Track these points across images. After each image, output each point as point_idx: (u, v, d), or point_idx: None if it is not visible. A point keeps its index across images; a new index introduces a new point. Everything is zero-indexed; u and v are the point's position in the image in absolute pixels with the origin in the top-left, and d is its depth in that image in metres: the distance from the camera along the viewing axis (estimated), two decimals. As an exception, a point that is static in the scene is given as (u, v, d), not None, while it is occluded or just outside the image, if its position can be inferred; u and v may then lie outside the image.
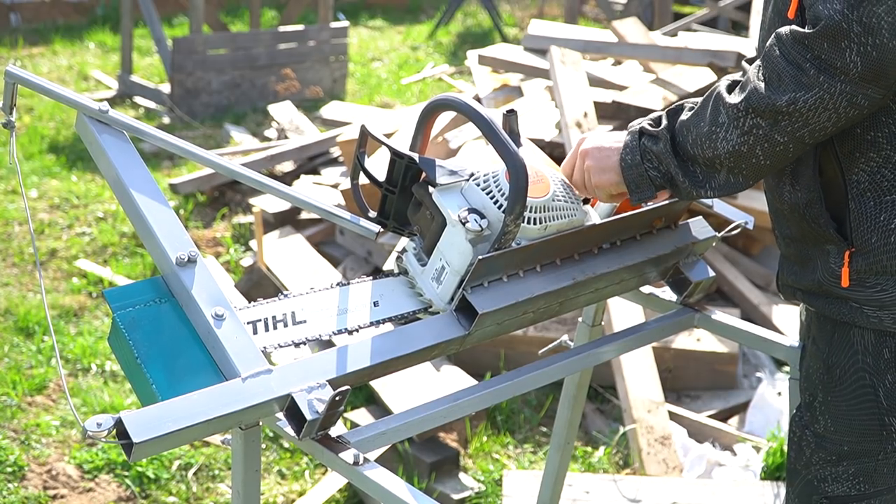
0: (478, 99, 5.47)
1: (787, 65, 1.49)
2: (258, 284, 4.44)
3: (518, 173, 1.66)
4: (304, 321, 1.68)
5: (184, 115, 7.62)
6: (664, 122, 1.67)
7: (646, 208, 1.87)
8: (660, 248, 1.93)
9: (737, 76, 1.65)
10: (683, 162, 1.64)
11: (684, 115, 1.65)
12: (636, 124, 1.71)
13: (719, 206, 2.18)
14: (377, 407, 3.52)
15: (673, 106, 1.69)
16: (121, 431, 1.37)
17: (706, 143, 1.59)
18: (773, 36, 1.55)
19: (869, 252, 1.59)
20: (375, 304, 1.75)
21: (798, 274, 1.73)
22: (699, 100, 1.66)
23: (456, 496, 3.18)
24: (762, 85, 1.52)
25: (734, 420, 3.70)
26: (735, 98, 1.55)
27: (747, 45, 5.67)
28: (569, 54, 4.84)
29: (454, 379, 3.54)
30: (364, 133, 1.83)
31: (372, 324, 1.73)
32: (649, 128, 1.68)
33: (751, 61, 1.69)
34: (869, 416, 1.62)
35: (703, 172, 1.62)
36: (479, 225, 1.68)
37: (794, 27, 1.50)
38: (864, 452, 1.63)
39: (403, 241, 2.58)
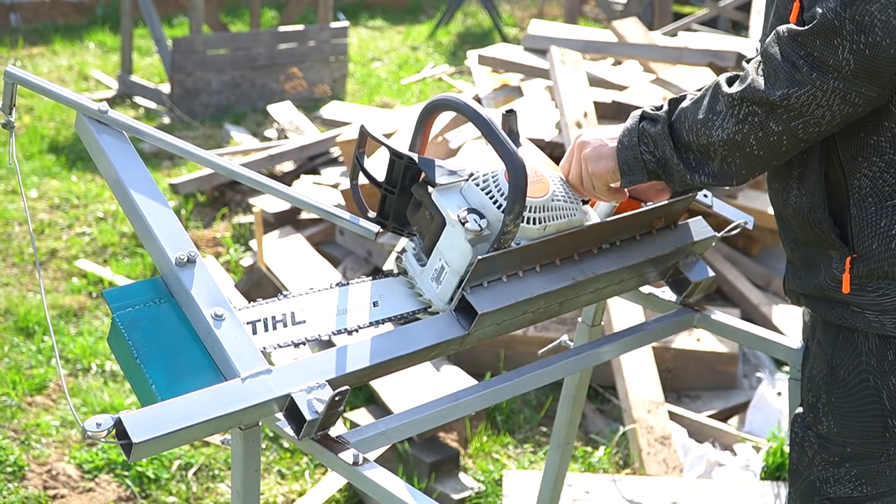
0: (478, 99, 5.47)
1: (783, 61, 1.51)
2: (258, 284, 4.44)
3: (517, 173, 1.66)
4: (304, 321, 1.68)
5: (184, 115, 7.62)
6: (665, 107, 1.70)
7: (646, 208, 1.87)
8: (659, 249, 1.93)
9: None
10: (678, 147, 1.65)
11: (685, 103, 1.67)
12: (640, 111, 1.73)
13: (719, 206, 2.18)
14: (377, 407, 3.52)
15: (674, 96, 1.71)
16: (120, 431, 1.37)
17: (702, 129, 1.60)
18: (773, 33, 1.56)
19: (870, 258, 1.59)
20: (375, 304, 1.75)
21: (802, 279, 1.73)
22: (699, 92, 1.68)
23: (456, 496, 3.18)
24: (760, 79, 1.54)
25: (734, 420, 3.70)
26: (733, 89, 1.57)
27: (747, 45, 5.67)
28: (569, 54, 4.84)
29: (454, 379, 3.54)
30: (363, 133, 1.83)
31: (371, 324, 1.73)
32: (650, 111, 1.70)
33: (750, 62, 1.69)
34: (872, 418, 1.62)
35: (697, 159, 1.64)
36: (479, 225, 1.68)
37: (792, 25, 1.51)
38: (867, 454, 1.63)
39: (403, 242, 2.59)
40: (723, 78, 1.63)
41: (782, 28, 1.54)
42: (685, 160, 1.65)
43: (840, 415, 1.66)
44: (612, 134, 1.75)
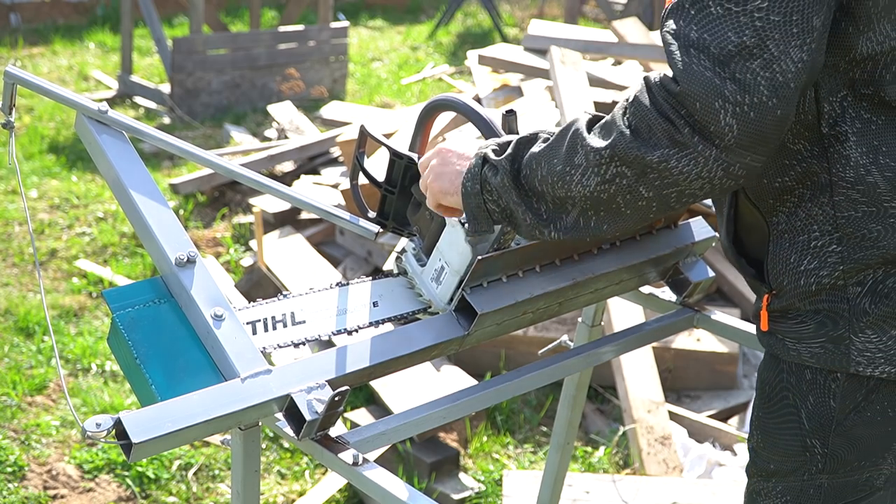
0: (478, 99, 5.47)
1: (659, 117, 1.34)
2: (258, 284, 4.44)
3: (517, 173, 1.65)
4: (304, 321, 1.68)
5: (184, 115, 7.62)
6: (510, 150, 1.51)
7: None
8: (659, 249, 1.93)
9: (599, 113, 1.54)
10: (528, 197, 1.49)
11: (536, 147, 1.48)
12: (485, 146, 1.55)
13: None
14: (377, 407, 3.52)
15: (525, 135, 1.53)
16: (120, 432, 1.37)
17: (558, 182, 1.43)
18: (642, 81, 1.40)
19: (783, 295, 1.55)
20: (375, 304, 1.75)
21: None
22: (552, 129, 1.53)
23: (456, 496, 3.18)
24: (629, 134, 1.36)
25: (734, 420, 3.70)
26: (598, 142, 1.40)
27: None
28: (569, 54, 4.84)
29: (454, 379, 3.54)
30: (363, 133, 1.83)
31: (371, 324, 1.73)
32: (492, 155, 1.52)
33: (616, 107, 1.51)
34: (792, 437, 1.57)
35: (550, 212, 1.48)
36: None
37: (665, 77, 1.35)
38: (790, 471, 1.59)
39: (403, 242, 2.59)
40: (583, 121, 1.46)
41: (654, 77, 1.37)
42: (535, 211, 1.48)
43: (765, 430, 1.62)
44: (465, 154, 1.60)
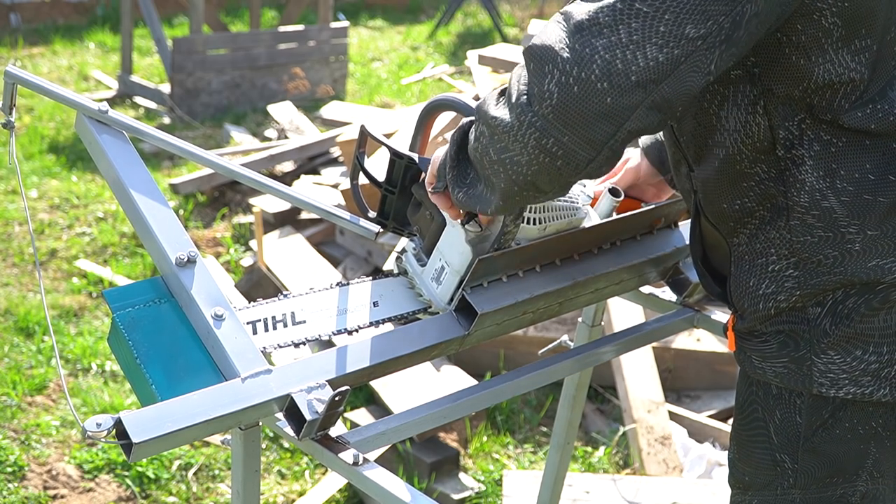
0: (478, 99, 5.46)
1: (513, 76, 1.31)
2: (258, 284, 4.44)
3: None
4: (304, 321, 1.68)
5: (184, 115, 7.62)
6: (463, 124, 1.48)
7: (646, 208, 1.87)
8: (660, 249, 1.93)
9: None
10: (463, 155, 1.47)
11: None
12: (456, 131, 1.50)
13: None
14: (377, 407, 3.52)
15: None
16: (120, 431, 1.37)
17: (473, 143, 1.41)
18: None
19: (745, 317, 1.54)
20: (375, 304, 1.75)
21: None
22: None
23: (456, 496, 3.18)
24: (496, 93, 1.35)
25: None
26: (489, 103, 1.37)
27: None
28: (569, 54, 4.83)
29: (454, 379, 3.54)
30: (363, 133, 1.83)
31: (371, 324, 1.73)
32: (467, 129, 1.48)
33: None
34: (762, 450, 1.56)
35: (473, 178, 1.45)
36: (479, 225, 1.68)
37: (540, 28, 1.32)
38: (763, 485, 1.57)
39: (403, 242, 2.58)
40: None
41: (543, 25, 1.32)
42: (463, 172, 1.47)
43: (739, 442, 1.61)
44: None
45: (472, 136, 1.41)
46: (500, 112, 1.31)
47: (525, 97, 1.26)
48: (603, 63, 1.22)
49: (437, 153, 1.61)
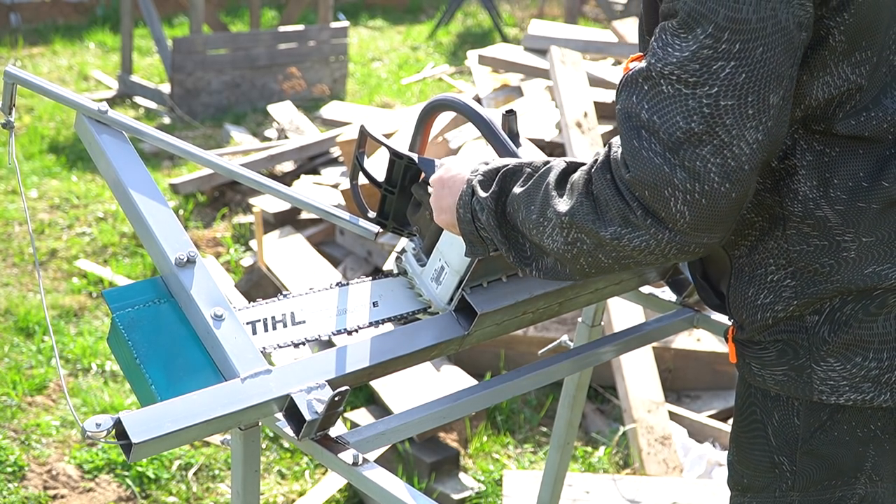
0: (478, 99, 5.47)
1: (615, 194, 1.33)
2: (258, 284, 4.44)
3: (517, 173, 1.65)
4: (304, 321, 1.68)
5: (184, 115, 7.62)
6: (494, 186, 1.49)
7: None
8: (659, 249, 1.93)
9: (577, 158, 1.52)
10: (513, 234, 1.49)
11: (517, 188, 1.47)
12: (476, 174, 1.53)
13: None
14: (377, 407, 3.52)
15: (511, 166, 1.51)
16: (120, 432, 1.37)
17: (534, 230, 1.44)
18: (606, 152, 1.38)
19: (744, 327, 1.54)
20: (375, 304, 1.75)
21: None
22: (538, 163, 1.50)
23: (456, 496, 3.18)
24: (588, 204, 1.36)
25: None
26: (562, 204, 1.39)
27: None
28: (569, 54, 4.84)
29: (454, 379, 3.54)
30: (363, 133, 1.83)
31: (371, 324, 1.73)
32: (480, 190, 1.51)
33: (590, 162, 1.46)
34: (761, 453, 1.57)
35: (533, 250, 1.48)
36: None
37: (620, 158, 1.33)
38: (762, 487, 1.58)
39: (403, 242, 2.59)
40: (556, 171, 1.44)
41: (615, 148, 1.35)
42: (519, 248, 1.49)
43: (738, 444, 1.61)
44: (458, 177, 1.58)
45: (549, 232, 1.41)
46: (613, 227, 1.34)
47: (651, 219, 1.30)
48: (718, 168, 1.27)
49: (441, 198, 1.59)
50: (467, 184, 1.53)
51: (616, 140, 1.37)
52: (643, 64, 1.32)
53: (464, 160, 1.61)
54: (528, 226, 1.44)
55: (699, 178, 1.27)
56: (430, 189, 1.66)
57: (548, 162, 1.48)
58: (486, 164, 1.54)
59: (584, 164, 1.43)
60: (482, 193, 1.50)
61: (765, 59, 1.26)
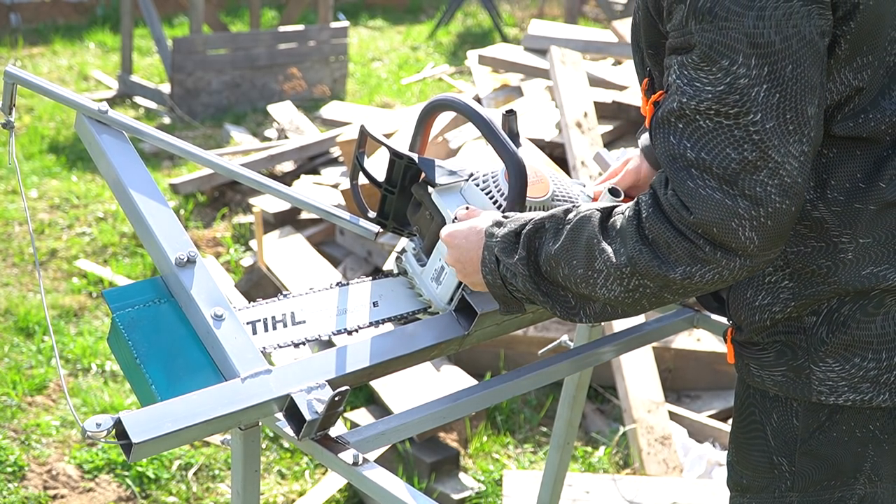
0: (478, 99, 5.47)
1: (677, 236, 1.34)
2: (258, 284, 4.44)
3: (517, 173, 1.66)
4: (304, 321, 1.68)
5: (184, 115, 7.62)
6: (521, 250, 1.48)
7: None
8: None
9: (606, 202, 1.50)
10: (553, 290, 1.48)
11: (549, 246, 1.45)
12: (494, 239, 1.51)
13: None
14: (377, 407, 3.52)
15: (530, 226, 1.49)
16: (120, 432, 1.37)
17: (581, 283, 1.43)
18: (649, 195, 1.38)
19: (742, 329, 1.55)
20: (375, 304, 1.75)
21: None
22: (559, 215, 1.48)
23: (456, 496, 3.18)
24: (648, 251, 1.36)
25: (734, 420, 3.70)
26: (615, 254, 1.38)
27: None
28: (569, 54, 4.83)
29: (454, 379, 3.54)
30: (363, 133, 1.83)
31: (371, 324, 1.73)
32: (505, 258, 1.49)
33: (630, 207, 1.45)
34: (760, 453, 1.57)
35: (577, 300, 1.47)
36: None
37: (676, 201, 1.33)
38: (761, 488, 1.58)
39: (403, 242, 2.58)
40: (595, 222, 1.42)
41: (662, 192, 1.36)
42: (562, 300, 1.48)
43: (737, 444, 1.62)
44: (473, 244, 1.56)
45: (602, 282, 1.41)
46: (682, 266, 1.34)
47: (721, 252, 1.32)
48: (777, 189, 1.29)
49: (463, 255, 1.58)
50: (488, 250, 1.52)
51: (658, 183, 1.37)
52: (672, 104, 1.33)
53: (467, 222, 1.58)
54: (572, 280, 1.44)
55: (762, 203, 1.30)
56: (441, 242, 1.63)
57: (568, 212, 1.47)
58: (499, 224, 1.53)
59: (612, 209, 1.44)
60: (509, 260, 1.49)
61: (795, 75, 1.28)
